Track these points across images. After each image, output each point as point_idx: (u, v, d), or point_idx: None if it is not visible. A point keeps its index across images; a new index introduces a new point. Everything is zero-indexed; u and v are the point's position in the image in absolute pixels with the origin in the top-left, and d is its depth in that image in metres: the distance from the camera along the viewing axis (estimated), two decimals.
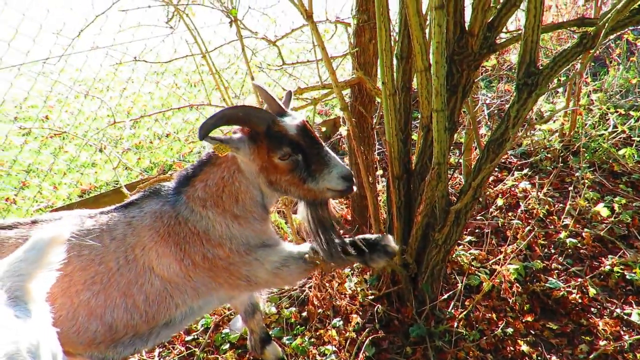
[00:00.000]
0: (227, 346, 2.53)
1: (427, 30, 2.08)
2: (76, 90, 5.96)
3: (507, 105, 1.96)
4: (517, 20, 5.80)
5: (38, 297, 1.32)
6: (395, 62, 2.29)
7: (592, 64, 5.76)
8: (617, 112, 4.26)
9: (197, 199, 1.74)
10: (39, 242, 1.33)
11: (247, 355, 2.48)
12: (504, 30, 3.01)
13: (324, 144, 1.72)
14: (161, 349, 2.59)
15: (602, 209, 2.79)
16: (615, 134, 3.98)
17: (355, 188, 1.70)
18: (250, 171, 1.73)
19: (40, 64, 3.66)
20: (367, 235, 1.92)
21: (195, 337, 2.63)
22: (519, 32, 1.90)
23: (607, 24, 1.72)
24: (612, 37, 4.70)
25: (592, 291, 2.60)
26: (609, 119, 4.25)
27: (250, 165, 1.71)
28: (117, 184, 4.11)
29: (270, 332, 2.52)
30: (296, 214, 1.96)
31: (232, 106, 1.60)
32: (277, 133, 1.63)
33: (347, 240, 1.90)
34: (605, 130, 4.06)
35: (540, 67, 1.88)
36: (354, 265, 2.87)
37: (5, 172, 4.39)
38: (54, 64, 3.44)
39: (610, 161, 3.85)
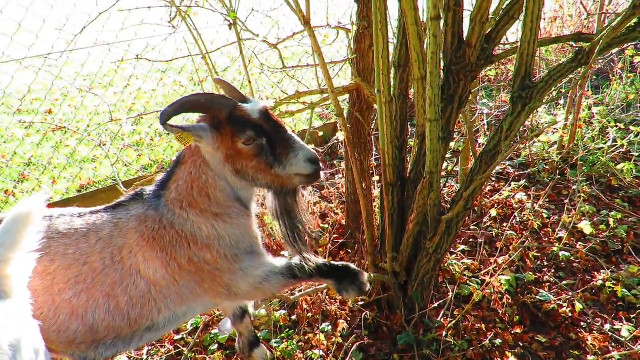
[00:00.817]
0: (215, 347, 2.54)
1: (425, 40, 2.09)
2: (77, 87, 5.99)
3: None
4: (518, 32, 5.80)
5: (18, 287, 1.30)
6: (392, 69, 2.30)
7: (594, 77, 5.76)
8: (617, 126, 4.25)
9: (175, 201, 1.73)
10: (12, 224, 1.30)
11: (235, 357, 2.48)
12: (505, 41, 3.02)
13: (287, 129, 1.69)
14: (150, 347, 2.60)
15: (585, 226, 2.78)
16: (615, 148, 3.97)
17: (322, 174, 1.68)
18: (215, 162, 1.70)
19: (43, 59, 3.70)
20: (351, 266, 1.92)
21: (184, 336, 2.64)
22: (518, 44, 1.91)
23: (602, 41, 1.72)
24: (614, 51, 4.69)
25: (578, 306, 2.59)
26: (608, 132, 4.24)
27: (215, 155, 1.68)
28: (114, 180, 4.12)
29: (259, 335, 2.52)
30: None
31: (194, 93, 1.60)
32: (240, 118, 1.61)
33: (329, 263, 1.90)
34: (605, 144, 4.05)
35: (535, 81, 1.89)
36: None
37: (5, 164, 4.41)
38: (55, 60, 3.47)
39: (608, 175, 3.84)
